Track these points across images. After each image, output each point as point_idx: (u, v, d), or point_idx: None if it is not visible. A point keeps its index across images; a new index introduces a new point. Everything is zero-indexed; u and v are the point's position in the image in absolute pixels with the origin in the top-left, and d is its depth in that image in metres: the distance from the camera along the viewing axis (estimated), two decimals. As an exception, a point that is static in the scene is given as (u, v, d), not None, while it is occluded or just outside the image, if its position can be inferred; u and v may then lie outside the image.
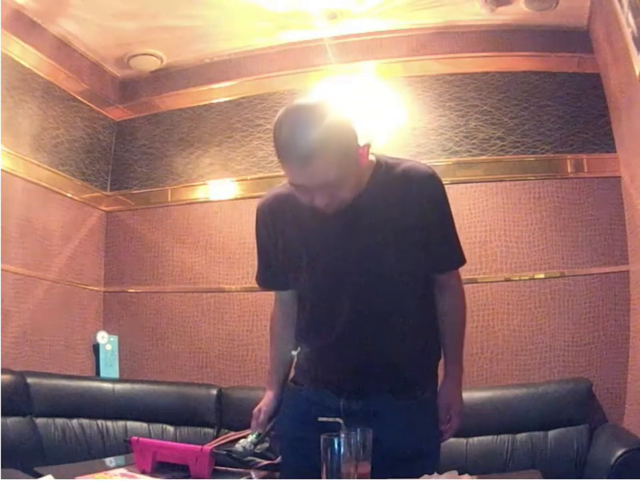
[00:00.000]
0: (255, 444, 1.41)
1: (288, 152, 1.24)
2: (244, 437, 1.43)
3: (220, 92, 3.33)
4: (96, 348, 3.06)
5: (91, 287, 3.18)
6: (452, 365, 1.49)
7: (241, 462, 1.35)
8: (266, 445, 1.99)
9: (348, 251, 1.40)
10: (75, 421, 2.57)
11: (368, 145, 1.34)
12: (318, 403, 1.43)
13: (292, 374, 1.56)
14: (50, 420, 2.51)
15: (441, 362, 1.51)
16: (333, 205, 1.30)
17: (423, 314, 1.48)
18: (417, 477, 1.16)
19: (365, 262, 1.40)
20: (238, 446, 1.38)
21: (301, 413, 1.45)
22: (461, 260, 1.50)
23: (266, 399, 1.54)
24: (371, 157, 1.40)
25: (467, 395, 2.41)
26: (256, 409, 1.53)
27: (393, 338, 1.42)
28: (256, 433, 1.45)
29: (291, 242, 1.44)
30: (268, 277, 1.54)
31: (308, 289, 1.46)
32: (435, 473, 1.19)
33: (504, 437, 2.36)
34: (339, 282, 1.41)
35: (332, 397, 1.41)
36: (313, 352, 1.49)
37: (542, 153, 2.82)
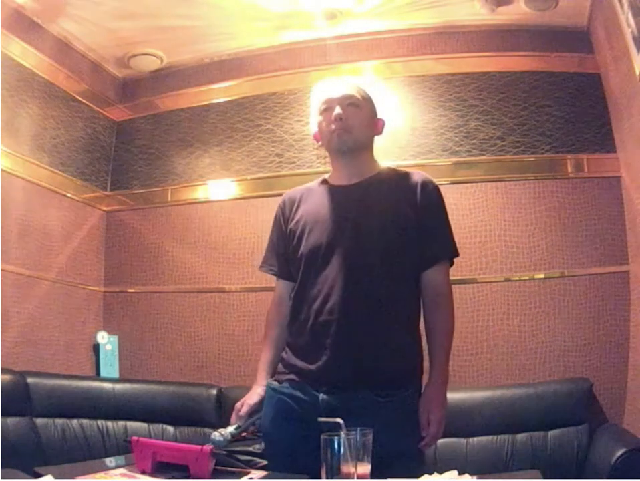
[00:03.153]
0: (233, 435, 1.41)
1: (334, 86, 1.63)
2: (224, 428, 1.43)
3: (220, 92, 3.33)
4: (96, 348, 3.06)
5: (91, 287, 3.18)
6: (435, 372, 1.49)
7: (241, 461, 1.35)
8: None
9: (343, 225, 1.52)
10: (75, 421, 2.57)
11: (383, 121, 1.66)
12: (298, 399, 1.46)
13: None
14: (50, 420, 2.50)
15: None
16: (346, 132, 1.55)
17: (408, 312, 1.52)
18: (416, 476, 1.16)
19: (356, 238, 1.49)
20: (216, 435, 1.38)
21: (282, 410, 1.48)
22: (453, 250, 1.58)
23: (251, 393, 1.58)
24: (381, 164, 1.66)
25: (467, 395, 2.44)
26: (239, 403, 1.56)
27: (376, 329, 1.45)
28: (236, 425, 1.47)
29: (300, 218, 1.59)
30: (270, 259, 1.68)
31: (302, 265, 1.54)
32: (435, 473, 1.19)
33: (504, 437, 2.36)
34: (329, 256, 1.49)
35: (311, 392, 1.44)
36: (298, 338, 1.52)
37: (542, 153, 2.82)
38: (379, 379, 1.43)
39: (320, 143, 1.67)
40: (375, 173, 1.61)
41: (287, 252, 1.62)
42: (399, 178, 1.60)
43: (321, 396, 1.42)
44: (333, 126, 1.57)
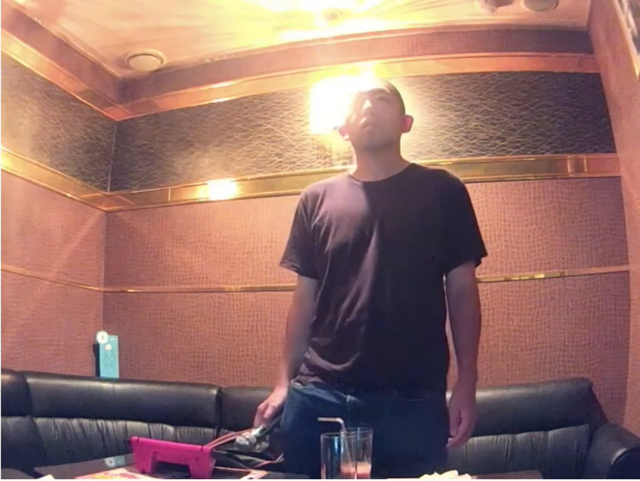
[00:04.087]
0: (259, 438, 1.39)
1: (366, 81, 1.65)
2: (248, 431, 1.42)
3: (220, 92, 3.33)
4: (96, 348, 3.06)
5: (91, 287, 3.18)
6: (465, 371, 1.48)
7: (241, 461, 1.35)
8: (266, 445, 1.98)
9: (371, 222, 1.48)
10: (75, 421, 2.57)
11: (412, 118, 1.64)
12: (323, 401, 1.43)
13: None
14: (50, 420, 2.51)
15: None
16: (376, 127, 1.52)
17: (436, 311, 1.51)
18: (421, 476, 1.16)
19: (384, 235, 1.46)
20: (242, 439, 1.36)
21: (307, 411, 1.45)
22: (481, 250, 1.56)
23: (275, 395, 1.54)
24: (408, 161, 1.63)
25: (467, 395, 2.43)
26: (262, 404, 1.53)
27: (406, 329, 1.43)
28: (261, 427, 1.45)
29: (325, 214, 1.55)
30: (291, 255, 1.64)
31: (329, 262, 1.51)
32: (435, 473, 1.18)
33: (504, 437, 2.36)
34: (358, 254, 1.46)
35: (338, 393, 1.42)
36: (324, 338, 1.49)
37: (542, 153, 2.82)
38: (407, 380, 1.41)
39: (346, 137, 1.63)
40: (403, 170, 1.58)
41: (310, 249, 1.58)
42: (428, 176, 1.58)
43: (349, 397, 1.40)
44: (363, 120, 1.54)
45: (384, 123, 1.54)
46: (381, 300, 1.43)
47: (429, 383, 1.45)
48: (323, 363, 1.47)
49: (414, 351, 1.43)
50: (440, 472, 1.20)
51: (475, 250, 1.56)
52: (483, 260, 2.70)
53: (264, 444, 1.88)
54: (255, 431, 1.41)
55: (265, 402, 1.53)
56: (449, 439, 1.43)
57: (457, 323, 1.50)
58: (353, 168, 1.68)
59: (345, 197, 1.57)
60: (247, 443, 1.36)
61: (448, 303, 1.52)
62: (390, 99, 1.58)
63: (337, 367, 1.44)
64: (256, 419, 1.50)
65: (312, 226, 1.58)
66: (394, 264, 1.45)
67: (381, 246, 1.46)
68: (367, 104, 1.54)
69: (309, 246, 1.59)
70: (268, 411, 1.50)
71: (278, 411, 1.50)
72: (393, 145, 1.59)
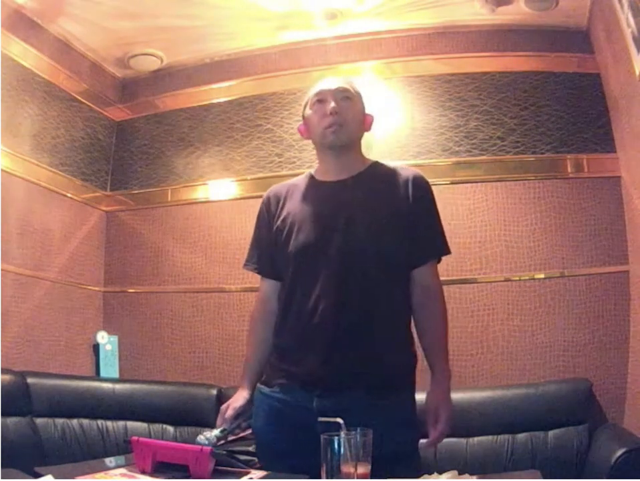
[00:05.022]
0: (219, 438, 1.40)
1: (329, 80, 1.58)
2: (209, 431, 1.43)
3: (220, 92, 3.34)
4: (96, 348, 3.06)
5: (91, 287, 3.18)
6: (439, 369, 1.46)
7: (241, 461, 1.35)
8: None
9: (336, 221, 1.46)
10: (75, 421, 2.57)
11: (372, 117, 1.61)
12: (290, 403, 1.42)
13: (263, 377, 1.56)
14: (50, 420, 2.51)
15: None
16: (341, 127, 1.49)
17: (402, 311, 1.49)
18: (414, 477, 1.16)
19: (350, 234, 1.45)
20: (202, 438, 1.37)
21: (274, 415, 1.45)
22: (445, 248, 1.54)
23: (237, 397, 1.53)
24: (370, 159, 1.60)
25: (467, 395, 2.44)
26: (224, 405, 1.52)
27: (371, 330, 1.42)
28: (222, 428, 1.45)
29: (288, 215, 1.53)
30: (254, 258, 1.64)
31: (292, 263, 1.49)
32: (435, 473, 1.19)
33: (504, 437, 2.36)
34: (322, 254, 1.44)
35: (305, 396, 1.40)
36: (288, 340, 1.48)
37: (542, 153, 2.82)
38: (375, 381, 1.39)
39: (306, 136, 1.60)
40: (365, 168, 1.56)
41: (272, 250, 1.56)
42: (390, 174, 1.55)
43: (315, 399, 1.39)
44: (328, 120, 1.50)
45: (348, 123, 1.52)
46: (346, 301, 1.41)
47: (397, 384, 1.43)
48: (288, 365, 1.46)
49: (381, 352, 1.41)
50: (412, 473, 1.20)
51: (439, 248, 1.53)
52: (484, 260, 2.71)
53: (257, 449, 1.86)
54: (216, 431, 1.41)
55: (227, 403, 1.52)
56: (425, 440, 1.41)
57: (424, 322, 1.49)
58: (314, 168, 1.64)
59: (307, 198, 1.54)
60: (207, 442, 1.37)
61: (415, 302, 1.49)
62: (354, 97, 1.56)
63: (303, 370, 1.42)
64: (219, 420, 1.49)
65: (274, 227, 1.55)
66: (360, 263, 1.43)
67: (346, 246, 1.43)
68: (332, 104, 1.51)
69: (272, 248, 1.56)
70: (229, 412, 1.49)
71: (240, 412, 1.50)
72: (355, 144, 1.57)
